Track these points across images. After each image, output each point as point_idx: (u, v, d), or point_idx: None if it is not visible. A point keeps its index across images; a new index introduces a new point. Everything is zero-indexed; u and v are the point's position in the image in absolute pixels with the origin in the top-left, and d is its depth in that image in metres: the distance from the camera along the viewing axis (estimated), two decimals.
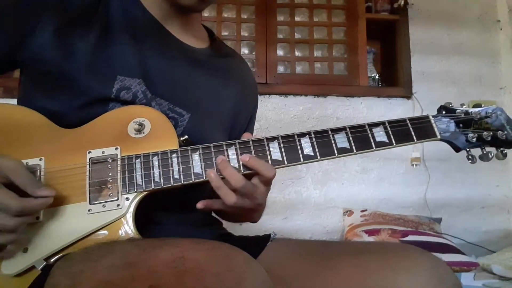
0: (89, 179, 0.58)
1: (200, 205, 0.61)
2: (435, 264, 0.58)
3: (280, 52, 2.00)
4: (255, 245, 0.70)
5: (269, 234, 0.74)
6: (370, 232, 1.56)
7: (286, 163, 0.61)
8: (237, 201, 0.59)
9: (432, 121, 0.66)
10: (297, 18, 2.04)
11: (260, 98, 0.95)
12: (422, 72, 2.00)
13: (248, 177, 0.60)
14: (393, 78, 2.06)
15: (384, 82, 2.08)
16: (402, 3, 1.98)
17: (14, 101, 0.67)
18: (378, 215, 1.71)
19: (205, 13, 1.96)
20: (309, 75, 2.00)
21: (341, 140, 0.63)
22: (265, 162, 0.60)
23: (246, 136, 0.64)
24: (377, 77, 2.05)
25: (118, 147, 0.60)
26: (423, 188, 1.90)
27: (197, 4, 0.69)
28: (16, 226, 0.50)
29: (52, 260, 0.54)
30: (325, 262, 0.63)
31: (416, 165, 1.91)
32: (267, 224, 1.78)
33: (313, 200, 1.85)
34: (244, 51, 1.98)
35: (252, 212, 0.68)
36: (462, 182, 1.92)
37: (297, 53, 2.02)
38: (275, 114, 1.89)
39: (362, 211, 1.75)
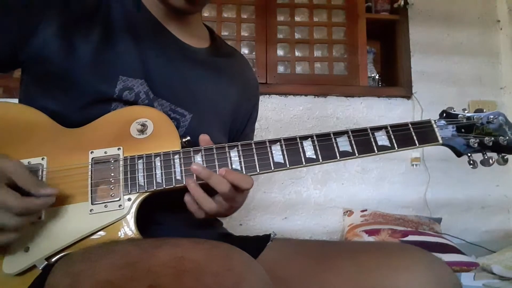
0: (91, 179, 0.58)
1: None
2: (435, 263, 0.58)
3: (280, 52, 2.00)
4: (255, 245, 0.70)
5: (269, 234, 0.74)
6: (370, 232, 1.56)
7: (288, 166, 0.62)
8: (216, 207, 0.59)
9: (434, 125, 0.66)
10: (297, 18, 2.04)
11: (260, 98, 0.95)
12: (422, 72, 1.99)
13: None
14: (393, 78, 2.05)
15: (384, 82, 2.07)
16: (402, 3, 1.97)
17: (14, 101, 0.67)
18: (378, 215, 1.71)
19: (205, 13, 1.96)
20: (309, 75, 2.00)
21: (343, 144, 0.63)
22: (242, 174, 0.60)
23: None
24: (377, 77, 2.05)
25: (121, 147, 0.60)
26: (423, 188, 1.90)
27: (186, 6, 0.69)
28: (18, 226, 0.51)
29: (53, 260, 0.54)
30: (325, 262, 0.63)
31: (416, 165, 1.91)
32: (267, 224, 1.78)
33: (313, 200, 1.85)
34: (244, 51, 1.98)
35: (229, 212, 0.68)
36: (462, 182, 1.91)
37: (297, 53, 2.02)
38: (275, 114, 1.89)
39: (362, 211, 1.75)
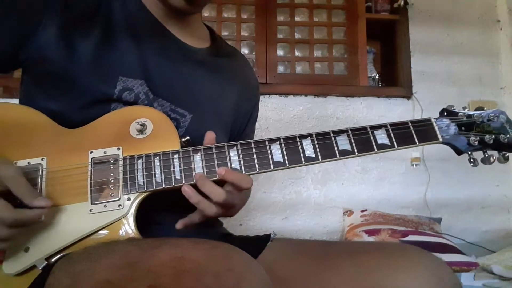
0: (91, 179, 0.58)
1: (179, 225, 0.61)
2: (435, 263, 0.58)
3: (280, 52, 2.00)
4: (255, 245, 0.70)
5: (269, 234, 0.74)
6: (370, 232, 1.56)
7: (287, 165, 0.61)
8: (218, 211, 0.59)
9: (434, 124, 0.66)
10: (297, 18, 2.04)
11: (260, 98, 0.95)
12: (422, 72, 2.00)
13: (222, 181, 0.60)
14: (393, 78, 2.06)
15: (384, 82, 2.08)
16: (402, 3, 1.98)
17: (14, 101, 0.67)
18: (378, 215, 1.71)
19: (205, 13, 1.96)
20: (309, 75, 2.00)
21: (343, 142, 0.63)
22: (241, 173, 0.60)
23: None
24: (377, 77, 2.05)
25: (120, 147, 0.60)
26: (423, 188, 1.90)
27: (186, 7, 0.69)
28: (9, 236, 0.51)
29: (53, 260, 0.54)
30: (325, 262, 0.63)
31: (416, 165, 1.91)
32: (267, 224, 1.78)
33: (313, 200, 1.85)
34: (244, 51, 1.98)
35: (232, 212, 0.68)
36: (462, 182, 1.92)
37: (297, 53, 2.02)
38: (275, 114, 1.89)
39: (362, 211, 1.75)
